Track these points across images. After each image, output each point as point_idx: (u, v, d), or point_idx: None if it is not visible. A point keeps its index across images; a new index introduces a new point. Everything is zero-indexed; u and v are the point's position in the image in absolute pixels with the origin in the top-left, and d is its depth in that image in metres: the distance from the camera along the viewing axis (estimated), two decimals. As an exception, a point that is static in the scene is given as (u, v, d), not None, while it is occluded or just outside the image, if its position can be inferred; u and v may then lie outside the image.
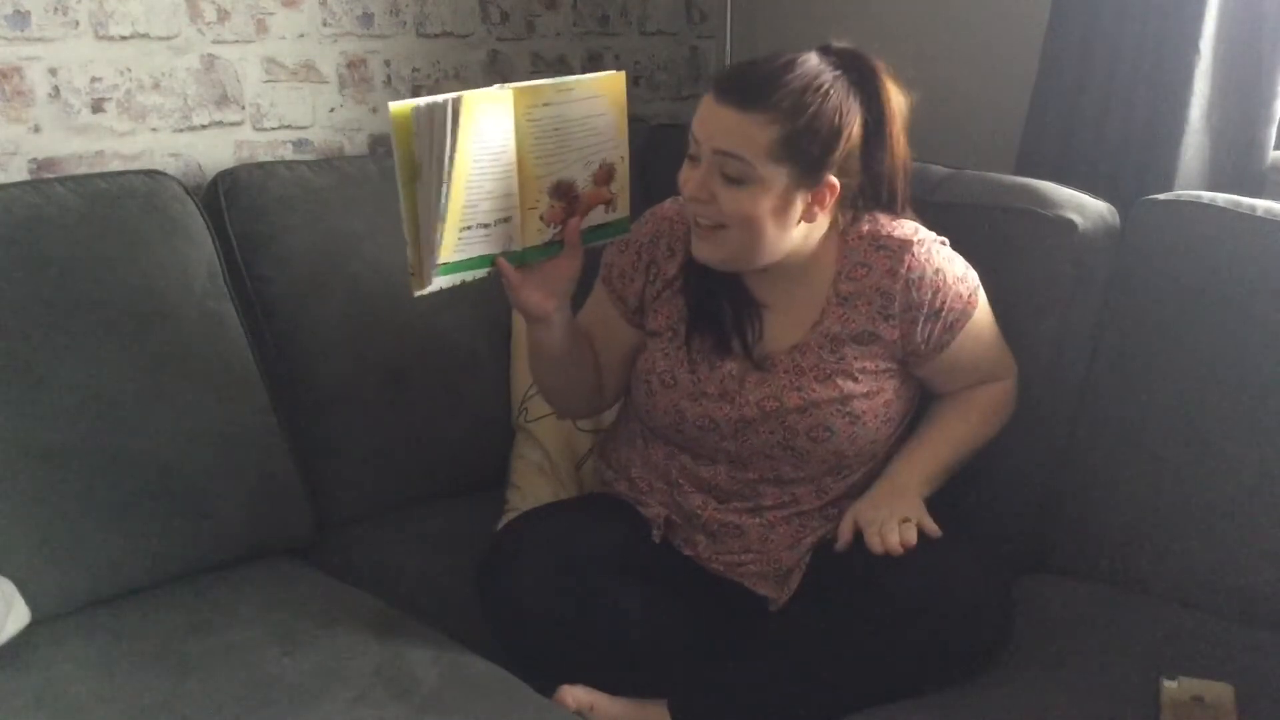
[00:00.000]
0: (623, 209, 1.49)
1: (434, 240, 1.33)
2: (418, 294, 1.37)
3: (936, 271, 1.50)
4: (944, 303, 1.50)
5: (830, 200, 1.44)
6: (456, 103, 1.28)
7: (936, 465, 1.55)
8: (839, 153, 1.42)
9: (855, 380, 1.51)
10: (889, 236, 1.51)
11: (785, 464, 1.53)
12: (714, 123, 1.42)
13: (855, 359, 1.51)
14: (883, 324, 1.51)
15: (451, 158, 1.30)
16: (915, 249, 1.50)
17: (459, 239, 1.36)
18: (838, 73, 1.43)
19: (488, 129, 1.33)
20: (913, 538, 1.42)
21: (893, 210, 1.53)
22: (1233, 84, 1.80)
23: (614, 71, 1.44)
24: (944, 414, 1.59)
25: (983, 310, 1.55)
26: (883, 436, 1.54)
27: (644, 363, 1.59)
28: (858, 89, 1.43)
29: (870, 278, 1.51)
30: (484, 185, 1.35)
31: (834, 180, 1.43)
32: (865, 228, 1.52)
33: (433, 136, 1.30)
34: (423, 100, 1.30)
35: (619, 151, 1.45)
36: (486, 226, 1.38)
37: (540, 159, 1.39)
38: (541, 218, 1.42)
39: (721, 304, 1.54)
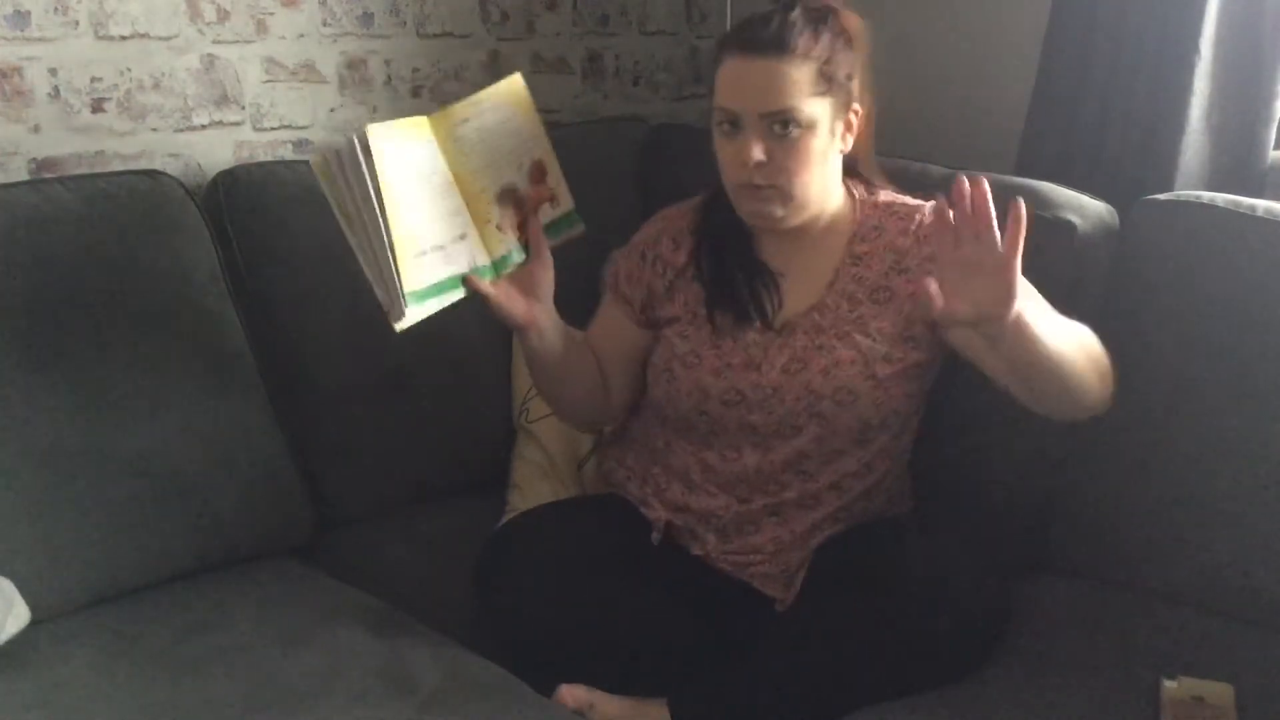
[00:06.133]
0: (565, 202, 1.51)
1: (392, 273, 1.35)
2: (398, 328, 1.38)
3: None
4: None
5: (856, 125, 1.50)
6: (362, 137, 1.31)
7: (1047, 324, 1.33)
8: (860, 75, 1.48)
9: (873, 339, 1.51)
10: (904, 204, 1.57)
11: (812, 436, 1.52)
12: (752, 83, 1.44)
13: (872, 318, 1.52)
14: (896, 278, 1.53)
15: (377, 189, 1.32)
16: (927, 209, 1.54)
17: (416, 265, 1.37)
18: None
19: (407, 154, 1.36)
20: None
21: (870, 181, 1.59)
22: (1233, 84, 1.80)
23: (510, 76, 1.46)
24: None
25: None
26: (906, 409, 1.55)
27: (662, 353, 1.60)
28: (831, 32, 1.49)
29: (884, 238, 1.55)
30: (423, 209, 1.37)
31: (857, 107, 1.49)
32: (881, 198, 1.58)
33: (349, 177, 1.33)
34: (330, 147, 1.34)
35: (542, 146, 1.48)
36: (442, 248, 1.40)
37: (477, 174, 1.42)
38: (498, 228, 1.45)
39: (736, 278, 1.55)
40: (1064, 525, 1.68)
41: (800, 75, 1.43)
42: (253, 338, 1.74)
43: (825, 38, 1.45)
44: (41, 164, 1.76)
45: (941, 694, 1.40)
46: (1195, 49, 1.77)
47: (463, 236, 1.42)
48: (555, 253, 1.50)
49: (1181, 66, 1.78)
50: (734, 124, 1.45)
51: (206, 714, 1.35)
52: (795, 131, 1.43)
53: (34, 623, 1.45)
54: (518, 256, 1.48)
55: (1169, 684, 1.36)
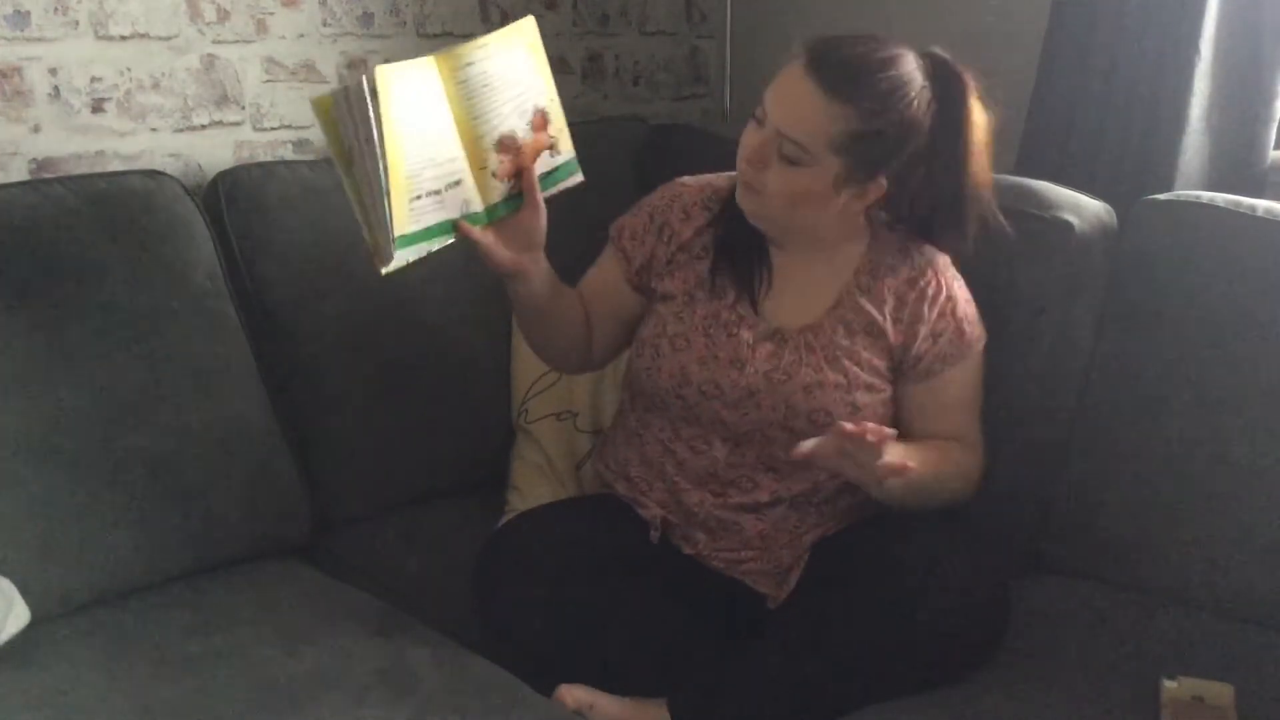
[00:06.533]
0: (567, 150, 1.49)
1: (383, 216, 1.33)
2: (384, 271, 1.37)
3: (949, 298, 1.53)
4: (944, 330, 1.53)
5: (873, 200, 1.47)
6: (371, 79, 1.29)
7: (919, 476, 1.41)
8: (897, 161, 1.44)
9: (861, 369, 1.52)
10: (919, 251, 1.55)
11: (780, 447, 1.53)
12: (790, 100, 1.42)
13: (864, 350, 1.53)
14: (890, 324, 1.53)
15: (380, 132, 1.30)
16: (940, 270, 1.54)
17: (410, 209, 1.35)
18: (926, 83, 1.44)
19: (413, 97, 1.34)
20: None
21: (960, 234, 1.52)
22: (1233, 84, 1.80)
23: (524, 18, 1.45)
24: (930, 443, 1.53)
25: (975, 364, 1.57)
26: None
27: (652, 328, 1.59)
28: (940, 103, 1.45)
29: (890, 280, 1.54)
30: (423, 152, 1.36)
31: (883, 183, 1.46)
32: (899, 236, 1.56)
33: (355, 117, 1.31)
34: (339, 85, 1.31)
35: (547, 94, 1.46)
36: (437, 193, 1.38)
37: (478, 118, 1.40)
38: (494, 175, 1.43)
39: (736, 250, 1.56)
40: (1064, 525, 1.68)
41: (831, 125, 1.40)
42: (253, 338, 1.74)
43: (889, 115, 1.40)
44: (41, 164, 1.76)
45: (941, 694, 1.40)
46: (1195, 49, 1.77)
47: (458, 182, 1.40)
48: (559, 209, 1.49)
49: (1181, 66, 1.78)
50: (763, 120, 1.45)
51: (206, 714, 1.35)
52: (794, 165, 1.42)
53: (34, 623, 1.45)
54: (512, 204, 1.46)
55: (1169, 684, 1.36)
